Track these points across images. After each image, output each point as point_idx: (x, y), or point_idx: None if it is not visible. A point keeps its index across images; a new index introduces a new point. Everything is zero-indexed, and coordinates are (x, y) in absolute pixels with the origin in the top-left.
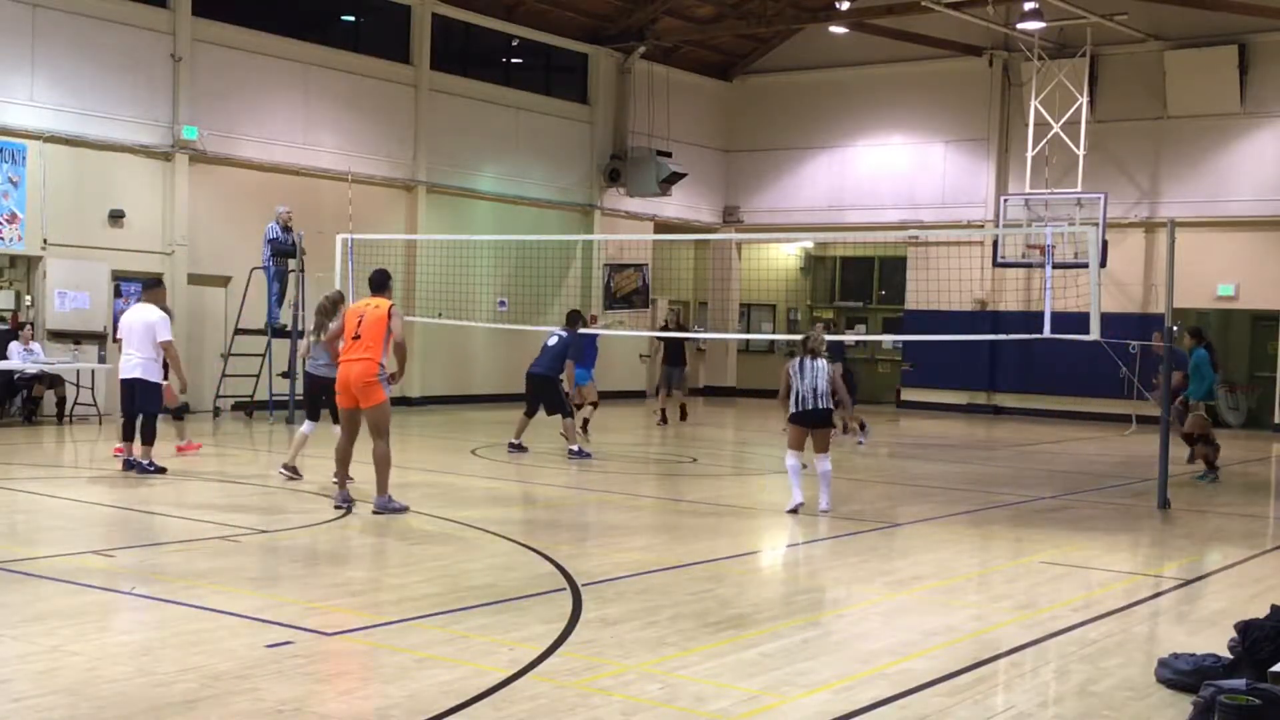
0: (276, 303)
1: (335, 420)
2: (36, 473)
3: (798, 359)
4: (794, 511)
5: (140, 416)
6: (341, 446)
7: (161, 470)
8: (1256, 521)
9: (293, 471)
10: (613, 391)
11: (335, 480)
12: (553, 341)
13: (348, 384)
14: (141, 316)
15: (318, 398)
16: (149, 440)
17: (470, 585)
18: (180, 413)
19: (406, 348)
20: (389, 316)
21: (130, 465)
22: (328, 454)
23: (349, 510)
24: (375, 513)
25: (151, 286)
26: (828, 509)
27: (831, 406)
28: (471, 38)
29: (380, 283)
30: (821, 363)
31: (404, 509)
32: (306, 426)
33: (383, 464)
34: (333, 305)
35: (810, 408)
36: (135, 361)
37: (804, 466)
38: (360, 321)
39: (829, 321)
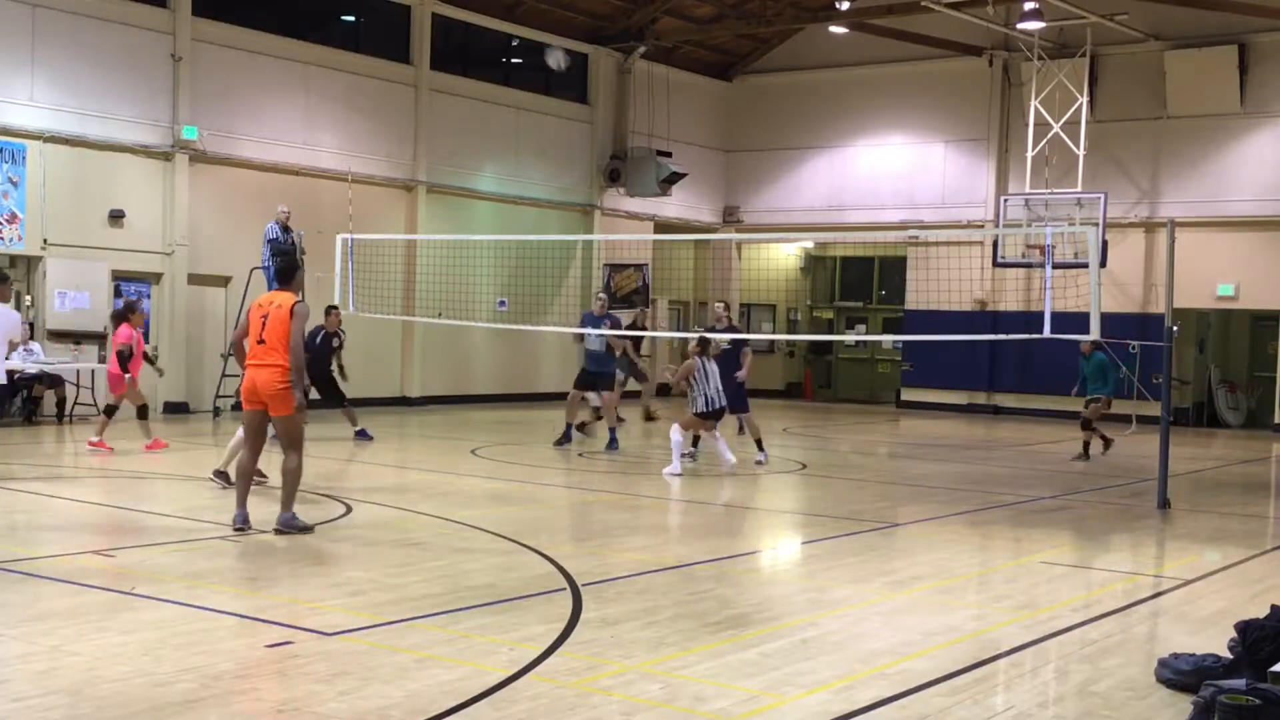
0: None
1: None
2: (36, 473)
3: (700, 360)
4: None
5: None
6: (244, 462)
7: None
8: (1256, 521)
9: (223, 477)
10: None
11: (215, 475)
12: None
13: (254, 390)
14: None
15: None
16: None
17: (470, 585)
18: (143, 412)
19: (302, 353)
20: (291, 317)
21: None
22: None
23: (245, 530)
24: (277, 531)
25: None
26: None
27: (725, 405)
28: (471, 38)
29: (284, 273)
30: (714, 365)
31: (309, 529)
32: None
33: (292, 478)
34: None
35: (718, 407)
36: None
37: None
38: (264, 322)
39: (829, 321)
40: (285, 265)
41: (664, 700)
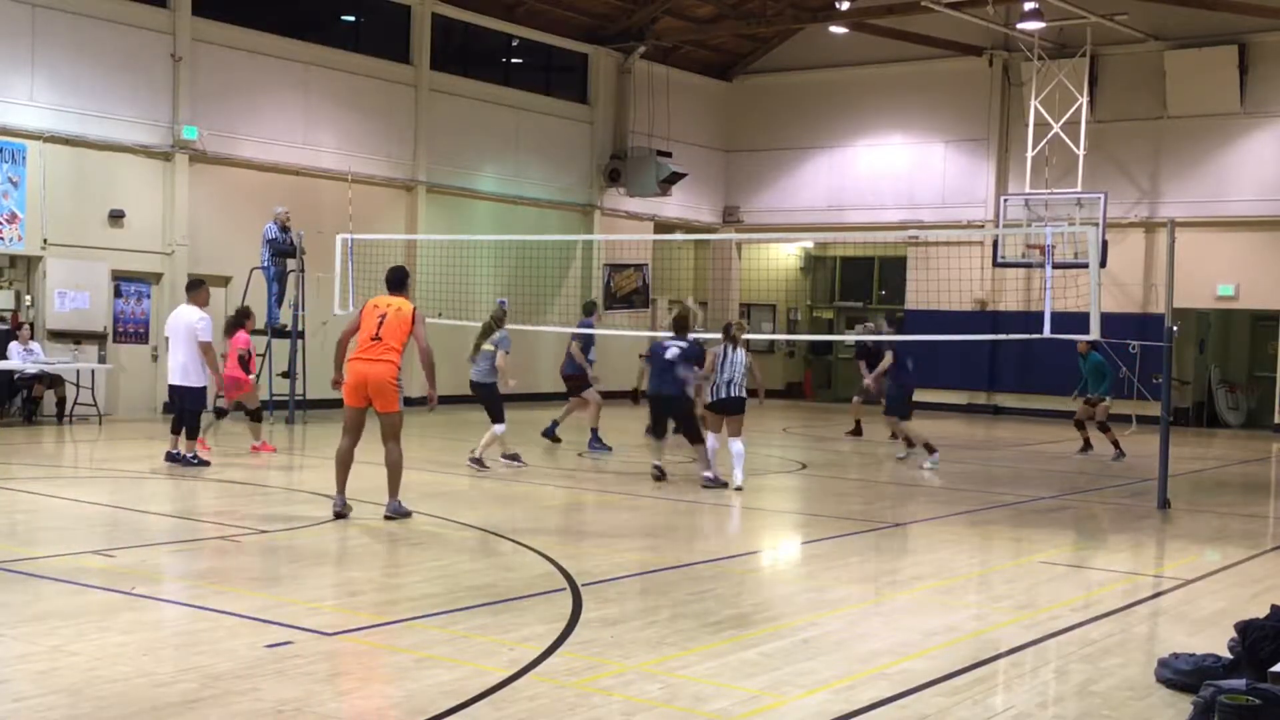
0: (276, 303)
1: (495, 419)
2: (36, 473)
3: (724, 347)
4: (715, 482)
5: (184, 414)
6: (344, 449)
7: (205, 463)
8: (1256, 521)
9: (514, 459)
10: (612, 392)
11: (505, 459)
12: (673, 354)
13: (364, 383)
14: (184, 319)
15: (481, 401)
16: (191, 435)
17: (470, 585)
18: (257, 414)
19: (431, 356)
20: (413, 321)
21: (172, 458)
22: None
23: (346, 516)
24: (387, 517)
25: (194, 288)
26: (741, 485)
27: (744, 395)
28: (471, 38)
29: (399, 281)
30: (740, 354)
31: (409, 514)
32: (497, 428)
33: (397, 468)
34: (496, 322)
35: (724, 396)
36: (175, 365)
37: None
38: (382, 321)
39: (829, 321)
40: (398, 275)
41: (664, 700)
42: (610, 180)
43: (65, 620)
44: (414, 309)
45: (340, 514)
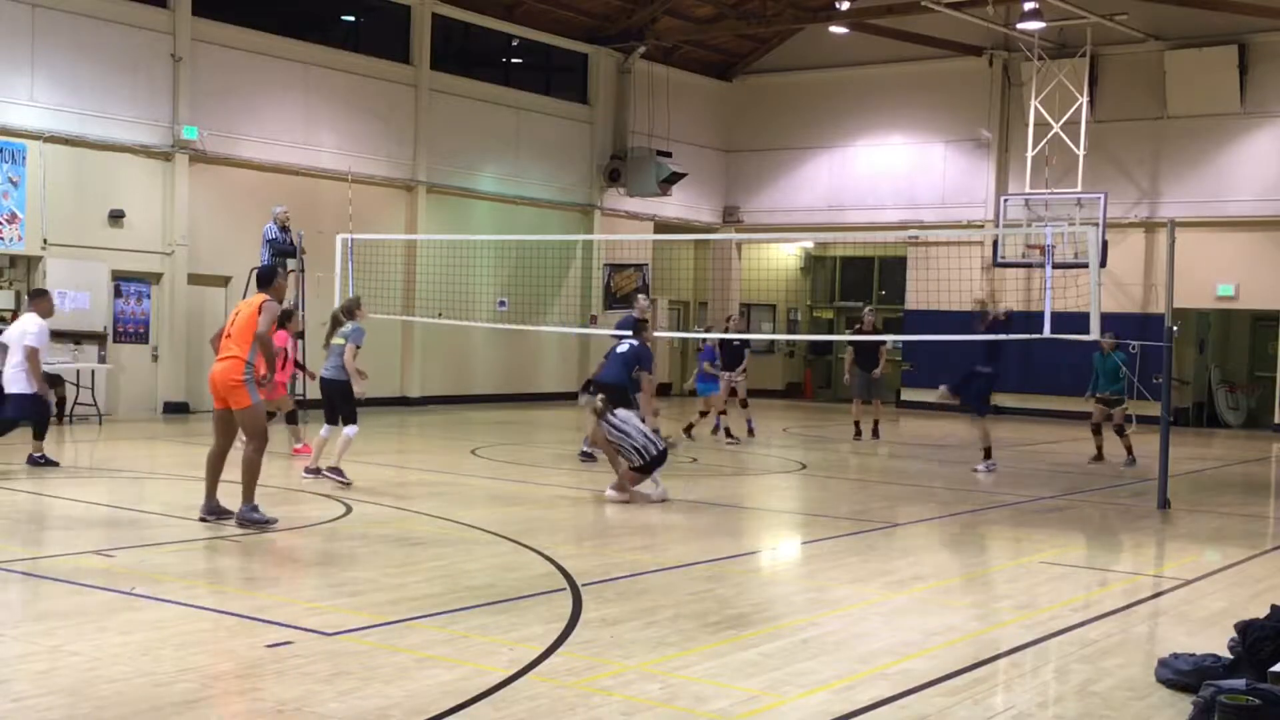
0: None
1: (331, 421)
2: (37, 473)
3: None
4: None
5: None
6: (212, 453)
7: (55, 464)
8: (1256, 521)
9: (316, 474)
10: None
11: (330, 472)
12: (623, 348)
13: (213, 385)
14: (20, 327)
15: (329, 401)
16: (37, 436)
17: (470, 585)
18: (293, 416)
19: (270, 344)
20: (258, 311)
21: (40, 460)
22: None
23: (216, 521)
24: (239, 523)
25: (36, 296)
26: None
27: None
28: (471, 38)
29: (262, 278)
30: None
31: (270, 521)
32: (324, 430)
33: (248, 469)
34: (345, 313)
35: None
36: (9, 373)
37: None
38: (234, 318)
39: (829, 321)
40: (263, 271)
41: (664, 700)
42: (610, 180)
43: (65, 620)
44: (263, 300)
45: (204, 518)
